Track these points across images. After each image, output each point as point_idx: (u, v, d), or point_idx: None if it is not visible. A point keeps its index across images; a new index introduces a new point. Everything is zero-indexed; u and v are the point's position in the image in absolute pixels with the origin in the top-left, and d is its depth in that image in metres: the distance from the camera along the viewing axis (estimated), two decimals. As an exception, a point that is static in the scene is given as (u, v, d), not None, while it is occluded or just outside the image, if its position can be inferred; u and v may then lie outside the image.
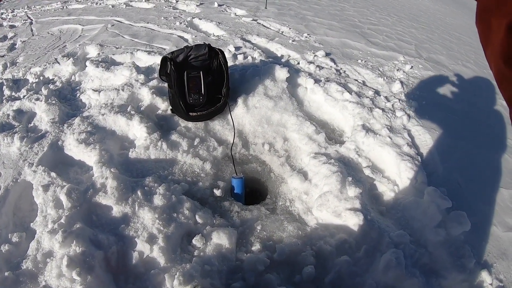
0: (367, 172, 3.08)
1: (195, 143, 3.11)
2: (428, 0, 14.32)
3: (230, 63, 4.21)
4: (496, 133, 4.22)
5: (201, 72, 3.19)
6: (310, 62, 4.68)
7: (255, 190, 3.18)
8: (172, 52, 3.31)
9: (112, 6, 7.62)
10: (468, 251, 2.49)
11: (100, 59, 4.33)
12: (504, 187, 3.34)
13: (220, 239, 2.31)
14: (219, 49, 3.40)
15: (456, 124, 4.02)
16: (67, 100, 3.70)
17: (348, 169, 2.98)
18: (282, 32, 6.17)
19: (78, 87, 3.93)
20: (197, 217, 2.46)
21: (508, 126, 4.35)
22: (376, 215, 2.69)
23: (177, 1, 7.85)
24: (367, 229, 2.49)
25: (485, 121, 4.38)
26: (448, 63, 6.06)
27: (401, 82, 4.55)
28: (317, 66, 4.57)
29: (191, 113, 3.25)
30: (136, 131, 3.13)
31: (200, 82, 3.19)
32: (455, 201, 2.81)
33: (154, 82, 3.72)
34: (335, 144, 3.34)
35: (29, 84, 3.92)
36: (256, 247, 2.42)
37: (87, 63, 4.17)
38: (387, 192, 2.97)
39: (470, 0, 19.15)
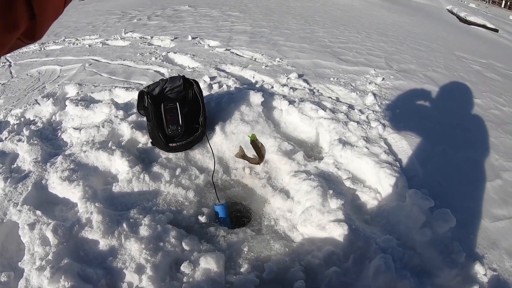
0: (348, 183, 3.16)
1: (177, 173, 3.18)
2: (395, 14, 14.69)
3: (205, 93, 4.31)
4: (471, 132, 4.40)
5: (177, 103, 3.29)
6: (284, 85, 4.81)
7: (240, 214, 3.23)
8: (148, 86, 3.42)
9: (89, 45, 7.71)
10: (457, 246, 2.54)
11: (79, 98, 4.39)
12: (486, 179, 3.48)
13: (208, 264, 2.34)
14: (193, 79, 3.51)
15: (431, 128, 4.17)
16: (49, 140, 3.75)
17: (329, 183, 3.06)
18: (255, 59, 6.30)
19: (59, 127, 3.97)
20: (183, 244, 2.50)
21: (482, 124, 4.52)
22: (361, 224, 2.75)
23: (152, 37, 7.98)
24: (353, 238, 2.54)
25: (459, 122, 4.55)
26: (418, 71, 6.27)
27: (374, 94, 4.70)
28: (291, 88, 4.70)
29: (170, 144, 3.33)
30: (118, 165, 3.20)
31: (177, 113, 3.28)
32: (438, 201, 2.92)
33: (133, 117, 3.80)
34: (314, 161, 3.43)
35: (10, 126, 3.94)
36: (244, 268, 2.45)
37: (67, 102, 4.22)
38: (369, 200, 3.05)
39: (436, 9, 19.71)
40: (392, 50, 7.69)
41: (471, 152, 3.92)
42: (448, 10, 23.33)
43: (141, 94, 3.37)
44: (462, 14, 20.85)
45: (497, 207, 3.16)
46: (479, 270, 2.49)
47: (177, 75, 3.53)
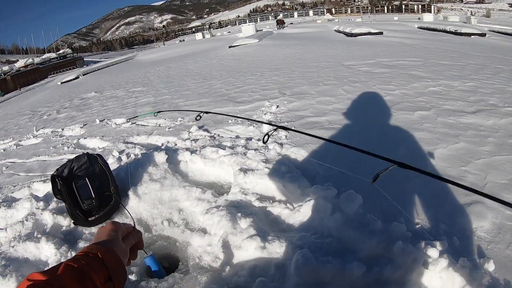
0: (257, 204, 3.44)
1: (101, 242, 3.40)
2: (286, 49, 15.62)
3: (115, 166, 4.59)
4: (360, 120, 4.99)
5: (86, 178, 3.58)
6: (186, 139, 5.19)
7: (168, 266, 3.37)
8: (57, 169, 3.67)
9: (4, 150, 7.79)
10: (371, 218, 2.76)
11: (1, 201, 4.51)
12: (385, 154, 3.82)
13: None
14: (97, 154, 3.83)
15: (325, 131, 4.69)
16: None
17: (239, 209, 3.33)
18: (159, 124, 6.67)
19: None
20: None
21: (376, 109, 5.28)
22: (277, 233, 2.97)
23: (62, 129, 8.17)
24: (270, 247, 2.74)
25: (355, 116, 5.15)
26: (310, 89, 7.00)
27: (269, 122, 5.21)
28: (192, 140, 5.09)
29: (90, 218, 3.58)
30: (46, 251, 3.36)
31: (88, 188, 3.57)
32: (343, 187, 3.23)
33: (53, 205, 3.99)
34: (223, 195, 3.74)
35: None
36: None
37: (-10, 208, 4.35)
38: (282, 211, 3.29)
39: (324, 33, 21.09)
40: (285, 80, 8.40)
41: (361, 135, 4.44)
42: (336, 30, 25.26)
43: (52, 179, 3.61)
44: (347, 30, 22.84)
45: (400, 174, 3.35)
46: (399, 228, 2.66)
47: (81, 153, 3.83)
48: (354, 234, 2.70)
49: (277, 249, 2.73)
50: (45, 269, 1.21)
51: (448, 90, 6.34)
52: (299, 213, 3.18)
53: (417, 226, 2.85)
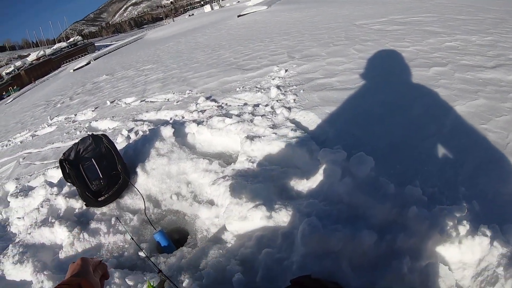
0: (264, 171, 3.31)
1: (113, 223, 3.39)
2: (296, 13, 15.28)
3: (124, 144, 4.57)
4: (373, 79, 4.77)
5: (92, 160, 3.57)
6: (193, 111, 5.13)
7: (178, 238, 3.41)
8: (64, 153, 3.66)
9: (21, 142, 7.90)
10: (383, 181, 2.57)
11: (18, 191, 4.56)
12: (401, 111, 3.74)
13: None
14: (101, 134, 3.81)
15: (336, 92, 4.51)
16: (0, 237, 3.88)
17: (246, 178, 3.25)
18: (168, 99, 6.63)
19: (7, 223, 4.13)
20: (127, 280, 2.66)
21: (390, 68, 5.00)
22: (284, 201, 2.83)
23: (75, 115, 8.23)
24: (277, 216, 2.63)
25: (367, 75, 4.94)
26: (320, 51, 6.74)
27: (278, 87, 5.10)
28: (200, 111, 5.02)
29: (99, 199, 3.57)
30: (60, 234, 3.39)
31: (96, 169, 3.57)
32: (354, 149, 3.03)
33: (66, 189, 4.01)
34: (230, 165, 3.65)
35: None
36: (186, 282, 2.53)
37: (9, 198, 4.41)
38: (290, 178, 3.16)
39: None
40: (294, 44, 8.15)
41: (379, 94, 4.24)
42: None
43: (60, 163, 3.61)
44: None
45: (419, 130, 3.36)
46: (414, 193, 2.50)
47: (86, 135, 3.80)
48: (366, 199, 2.53)
49: (284, 218, 2.64)
50: None
51: (466, 45, 5.96)
52: (307, 179, 3.03)
53: (434, 190, 2.66)
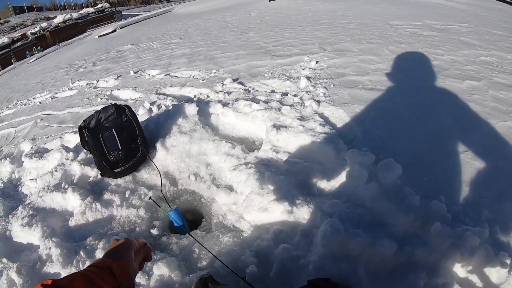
0: (288, 164, 3.22)
1: (127, 196, 3.31)
2: (329, 4, 15.02)
3: (145, 117, 4.48)
4: (405, 83, 4.61)
5: (113, 130, 3.47)
6: (219, 92, 4.99)
7: (192, 220, 3.34)
8: (84, 120, 3.56)
9: (40, 102, 7.88)
10: (408, 191, 2.50)
11: (33, 152, 4.48)
12: (430, 121, 3.62)
13: (160, 270, 2.42)
14: (125, 105, 3.69)
15: (365, 91, 4.36)
16: (10, 196, 3.84)
17: (269, 168, 3.14)
18: (193, 76, 6.50)
19: (19, 183, 4.08)
20: None
21: (422, 73, 4.81)
22: (306, 197, 2.76)
23: (97, 81, 8.16)
24: (298, 212, 2.56)
25: (397, 77, 4.78)
26: (352, 46, 6.54)
27: (308, 78, 4.93)
28: (226, 92, 4.88)
29: (116, 170, 3.48)
30: (72, 201, 3.32)
31: (116, 139, 3.46)
32: (381, 154, 2.99)
33: (82, 155, 3.93)
34: (253, 152, 3.54)
35: (-29, 192, 4.03)
36: (197, 267, 2.52)
37: (23, 158, 4.34)
38: (313, 174, 3.10)
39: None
40: (326, 36, 7.95)
41: (409, 100, 4.08)
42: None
43: (80, 130, 3.52)
44: None
45: (447, 144, 3.26)
46: (439, 208, 2.45)
47: (109, 104, 3.69)
48: (389, 207, 2.46)
49: (304, 214, 2.57)
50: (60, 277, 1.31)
51: (501, 62, 5.77)
52: (332, 178, 2.96)
53: (458, 208, 2.60)
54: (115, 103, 3.68)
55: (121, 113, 3.63)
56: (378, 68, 5.29)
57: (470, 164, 3.00)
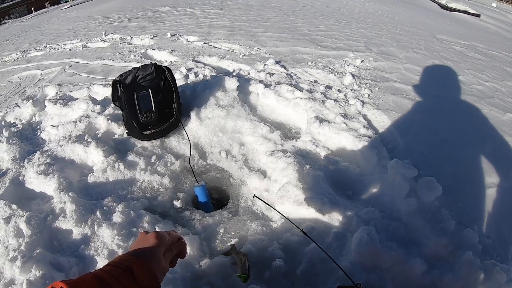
0: (326, 160, 3.09)
1: (152, 161, 3.13)
2: (375, 3, 14.69)
3: (181, 83, 4.30)
4: (450, 103, 4.40)
5: (149, 90, 3.26)
6: (261, 71, 4.80)
7: (217, 197, 3.21)
8: (120, 75, 3.39)
9: (70, 49, 7.70)
10: (445, 215, 2.47)
11: (58, 97, 4.34)
12: (470, 146, 3.46)
13: None
14: (165, 66, 3.48)
15: (410, 102, 4.15)
16: (28, 139, 3.72)
17: (307, 160, 3.00)
18: (233, 50, 6.30)
19: (38, 127, 3.95)
20: (157, 228, 2.45)
21: (464, 97, 4.55)
22: (341, 199, 2.67)
23: (131, 37, 7.96)
24: (333, 213, 2.48)
25: (440, 95, 4.55)
26: (398, 52, 6.27)
27: (353, 75, 4.71)
28: (267, 73, 4.68)
29: (145, 132, 3.30)
30: (94, 156, 3.15)
31: (150, 100, 3.25)
32: (422, 170, 2.85)
33: (109, 110, 3.76)
34: (291, 140, 3.39)
35: (-10, 130, 3.91)
36: (221, 249, 2.41)
37: (46, 102, 4.18)
38: (350, 175, 2.96)
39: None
40: (372, 35, 7.69)
41: (452, 121, 3.91)
42: (429, -1, 23.30)
43: (114, 84, 3.34)
44: (443, 1, 20.87)
45: (484, 174, 3.12)
46: (471, 237, 2.37)
47: (149, 63, 3.49)
48: (424, 226, 2.39)
49: (339, 216, 2.47)
50: (73, 278, 1.26)
51: None
52: (369, 185, 2.82)
53: (488, 241, 2.50)
54: (155, 63, 3.47)
55: (160, 74, 3.43)
56: (423, 80, 5.07)
57: (505, 200, 2.90)
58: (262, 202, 2.20)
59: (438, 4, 20.76)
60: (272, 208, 2.14)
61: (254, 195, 2.17)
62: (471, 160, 3.28)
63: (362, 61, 5.52)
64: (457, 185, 2.92)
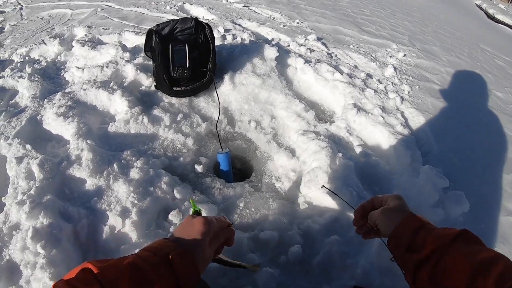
0: (358, 150, 2.95)
1: (178, 119, 2.97)
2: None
3: (218, 42, 4.11)
4: (486, 118, 4.26)
5: (186, 45, 3.07)
6: (301, 45, 4.60)
7: (240, 169, 3.07)
8: (158, 25, 3.20)
9: (102, -8, 7.50)
10: None
11: (86, 39, 4.21)
12: (501, 169, 3.33)
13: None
14: (206, 23, 3.28)
15: (448, 109, 4.01)
16: (51, 78, 3.59)
17: (339, 147, 2.87)
18: (274, 18, 6.10)
19: (63, 67, 3.82)
20: (175, 192, 2.33)
21: (500, 115, 4.37)
22: (368, 194, 2.57)
23: (169, -12, 7.74)
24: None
25: (477, 107, 4.43)
26: (441, 54, 6.07)
27: (394, 68, 4.54)
28: (308, 48, 4.49)
29: (174, 88, 3.12)
30: (117, 105, 3.00)
31: (185, 56, 3.06)
32: (451, 182, 2.74)
33: (139, 60, 3.60)
34: (325, 123, 3.25)
35: (13, 64, 3.79)
36: (238, 224, 2.30)
37: (73, 43, 4.04)
38: (380, 172, 2.85)
39: (464, 1, 19.22)
40: (416, 30, 7.46)
41: (485, 136, 3.80)
42: (477, 5, 22.66)
43: (149, 33, 3.16)
44: (490, 11, 20.23)
45: (507, 197, 3.02)
46: None
47: (189, 16, 3.29)
48: None
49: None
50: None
51: None
52: (398, 185, 2.69)
53: None
54: (196, 18, 3.28)
55: (199, 30, 3.22)
56: (463, 88, 4.94)
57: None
58: (332, 192, 2.04)
59: (485, 13, 20.17)
60: (340, 198, 1.97)
61: (323, 186, 2.01)
62: (500, 183, 3.18)
63: (405, 55, 5.35)
64: (482, 206, 2.85)
